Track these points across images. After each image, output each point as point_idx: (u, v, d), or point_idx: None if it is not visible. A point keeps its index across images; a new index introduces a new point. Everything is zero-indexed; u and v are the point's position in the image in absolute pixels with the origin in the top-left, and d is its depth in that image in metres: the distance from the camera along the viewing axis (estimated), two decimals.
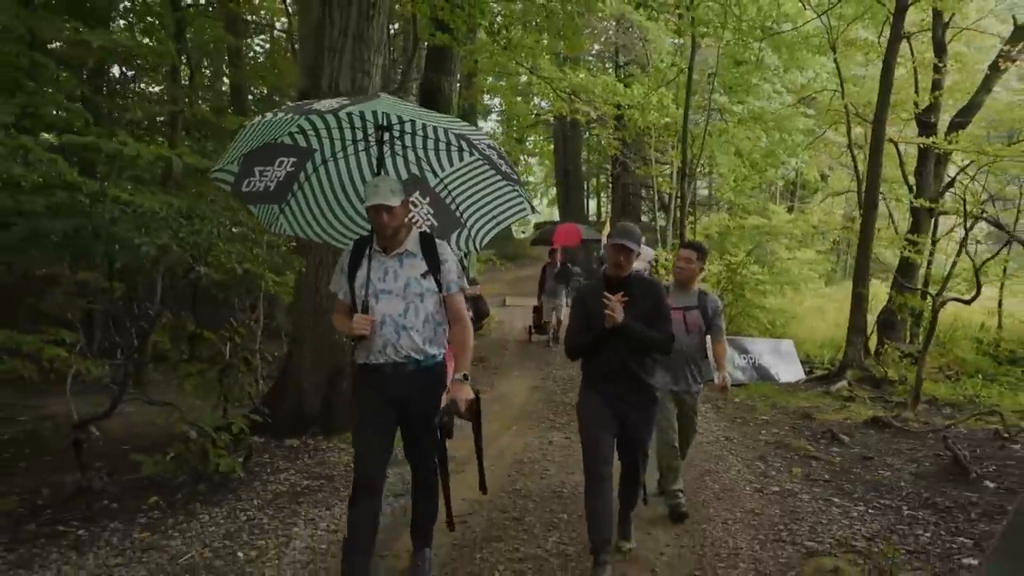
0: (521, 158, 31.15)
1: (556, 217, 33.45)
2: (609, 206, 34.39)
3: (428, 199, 4.08)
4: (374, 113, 3.66)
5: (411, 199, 3.98)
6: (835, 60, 14.65)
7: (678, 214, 16.11)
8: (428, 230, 3.96)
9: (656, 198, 25.58)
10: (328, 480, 5.79)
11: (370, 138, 3.85)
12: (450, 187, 4.06)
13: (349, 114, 3.63)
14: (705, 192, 24.76)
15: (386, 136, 3.73)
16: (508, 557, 4.32)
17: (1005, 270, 13.97)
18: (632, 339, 3.87)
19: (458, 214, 4.04)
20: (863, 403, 9.44)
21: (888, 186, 15.85)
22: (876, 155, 10.99)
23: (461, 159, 3.93)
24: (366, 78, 7.24)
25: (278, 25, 17.59)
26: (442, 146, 3.90)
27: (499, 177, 3.88)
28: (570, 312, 4.34)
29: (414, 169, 4.01)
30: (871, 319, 12.98)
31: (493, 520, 4.95)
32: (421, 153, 3.98)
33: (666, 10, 14.91)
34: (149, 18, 12.56)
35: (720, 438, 7.46)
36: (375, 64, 7.40)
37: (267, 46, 18.50)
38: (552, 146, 31.55)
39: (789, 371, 11.39)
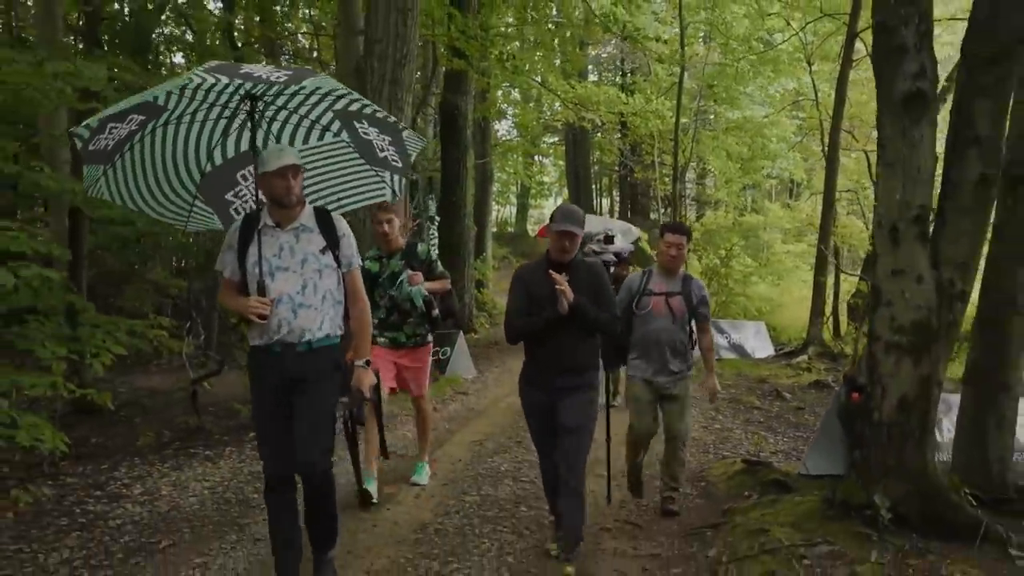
0: (535, 159, 33.10)
1: None
2: (617, 204, 36.24)
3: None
4: (248, 85, 3.30)
5: (242, 172, 3.81)
6: (811, 73, 16.33)
7: (670, 210, 17.84)
8: (253, 205, 3.64)
9: (659, 197, 27.25)
10: None
11: (231, 106, 3.54)
12: None
13: (237, 82, 3.22)
14: (710, 191, 26.37)
15: (259, 106, 3.51)
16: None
17: None
18: (583, 319, 3.80)
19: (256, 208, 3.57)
20: (817, 372, 11.21)
21: (862, 187, 17.50)
22: (832, 161, 12.74)
23: (321, 139, 3.76)
24: (400, 113, 9.07)
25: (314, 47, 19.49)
26: (305, 123, 3.72)
27: (361, 161, 3.80)
28: (509, 293, 4.16)
29: (259, 143, 3.62)
30: (843, 305, 14.71)
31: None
32: (275, 128, 3.75)
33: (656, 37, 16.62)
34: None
35: None
36: (407, 101, 9.24)
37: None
38: (564, 148, 33.50)
39: (762, 348, 13.19)
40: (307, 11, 16.74)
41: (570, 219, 3.83)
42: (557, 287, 3.72)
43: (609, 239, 5.71)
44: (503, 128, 34.51)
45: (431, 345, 5.42)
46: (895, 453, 3.96)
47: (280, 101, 3.59)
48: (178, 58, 15.31)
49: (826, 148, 16.91)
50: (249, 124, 3.55)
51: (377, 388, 3.61)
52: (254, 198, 3.62)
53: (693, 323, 4.81)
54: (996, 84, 3.96)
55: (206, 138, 3.64)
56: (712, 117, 18.88)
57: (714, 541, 4.21)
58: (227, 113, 3.58)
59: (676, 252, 4.71)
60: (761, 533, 4.07)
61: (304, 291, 3.34)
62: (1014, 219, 4.36)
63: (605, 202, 43.06)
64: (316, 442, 3.37)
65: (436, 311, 5.08)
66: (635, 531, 4.60)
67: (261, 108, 3.54)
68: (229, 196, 3.84)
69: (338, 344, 3.51)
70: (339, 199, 3.95)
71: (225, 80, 3.10)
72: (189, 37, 13.97)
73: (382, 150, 3.70)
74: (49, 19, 9.53)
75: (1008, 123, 4.22)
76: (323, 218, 3.48)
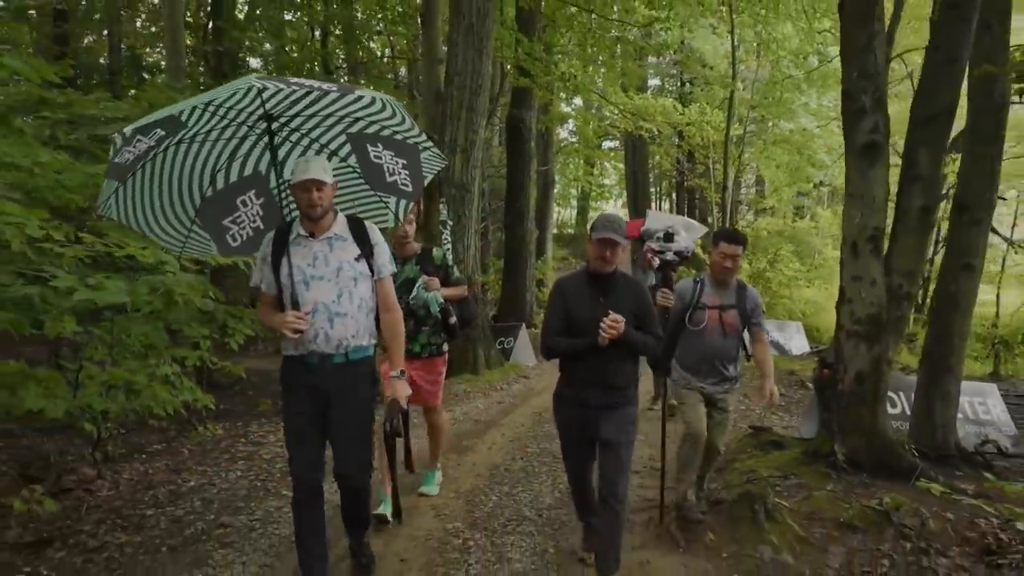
0: (595, 163, 34.42)
1: (627, 218, 36.58)
2: (673, 207, 37.28)
3: (262, 200, 3.81)
4: (251, 92, 3.27)
5: (243, 198, 3.77)
6: None
7: (720, 215, 18.95)
8: (251, 232, 3.76)
9: (713, 203, 28.27)
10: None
11: (247, 125, 3.54)
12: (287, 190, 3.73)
13: (261, 94, 3.26)
14: (764, 197, 27.31)
15: (274, 126, 3.53)
16: None
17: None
18: (627, 346, 3.62)
19: (289, 219, 3.60)
20: None
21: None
22: None
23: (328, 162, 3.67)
24: (474, 135, 10.60)
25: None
26: (314, 147, 3.74)
27: (365, 187, 3.80)
28: (547, 305, 3.98)
29: (262, 167, 3.73)
30: None
31: None
32: (283, 151, 3.75)
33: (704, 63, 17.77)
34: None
35: None
36: (480, 124, 10.74)
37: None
38: (623, 152, 34.73)
39: (798, 346, 14.31)
40: (389, 37, 18.45)
41: (611, 226, 3.59)
42: (603, 334, 3.48)
43: (670, 236, 5.10)
44: (564, 131, 35.96)
45: (447, 356, 5.04)
46: (852, 414, 5.25)
47: (295, 123, 3.61)
48: None
49: None
50: (257, 148, 3.65)
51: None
52: (253, 224, 3.78)
53: (746, 332, 4.62)
54: (934, 138, 5.24)
55: (212, 160, 3.62)
56: (763, 128, 19.91)
57: (716, 480, 5.55)
58: (240, 133, 3.59)
59: (731, 264, 4.44)
60: (750, 472, 5.41)
61: (340, 300, 3.34)
62: (957, 237, 5.61)
63: (665, 205, 44.04)
64: (354, 454, 3.44)
65: (453, 319, 4.82)
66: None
67: (275, 128, 3.54)
68: (226, 222, 3.76)
69: (372, 354, 3.52)
70: None
71: (281, 86, 3.16)
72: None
73: (392, 174, 3.70)
74: (176, 51, 11.44)
75: (959, 164, 5.50)
76: (356, 227, 3.49)
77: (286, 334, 3.22)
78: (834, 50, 18.44)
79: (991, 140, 5.57)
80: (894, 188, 5.53)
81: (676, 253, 4.90)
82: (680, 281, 4.77)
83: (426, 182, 3.85)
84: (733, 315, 4.51)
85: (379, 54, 18.40)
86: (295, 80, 3.25)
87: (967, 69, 5.42)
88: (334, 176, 3.49)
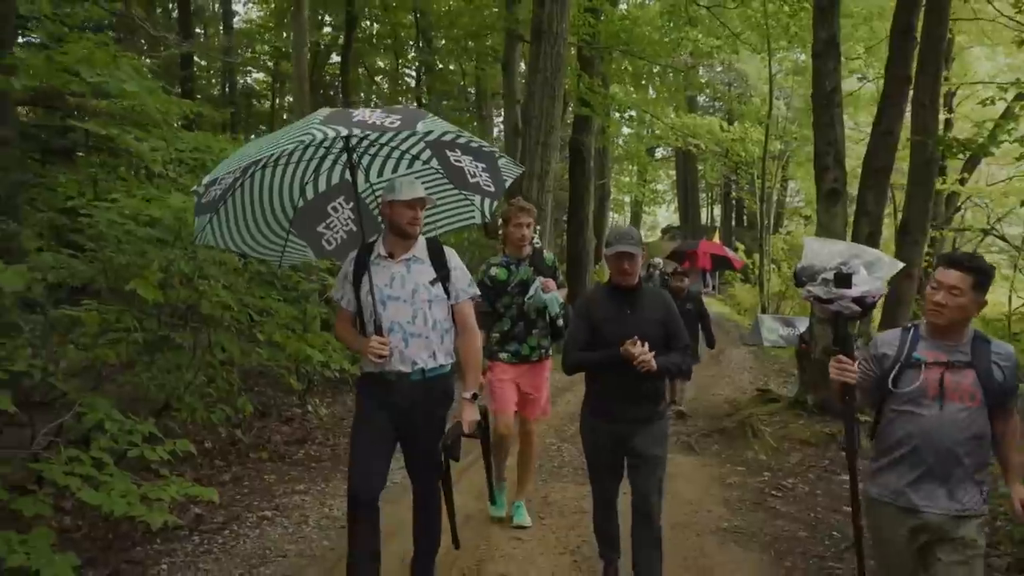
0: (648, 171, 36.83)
1: (677, 223, 38.92)
2: (721, 215, 39.51)
3: (351, 204, 3.90)
4: (310, 144, 3.51)
5: (333, 204, 3.91)
6: None
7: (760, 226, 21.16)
8: (345, 235, 3.91)
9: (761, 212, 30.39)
10: None
11: (325, 145, 3.66)
12: (377, 192, 3.91)
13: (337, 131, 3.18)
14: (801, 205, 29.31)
15: (352, 143, 3.59)
16: None
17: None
18: (659, 375, 3.50)
19: (380, 220, 3.75)
20: None
21: None
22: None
23: (411, 166, 3.84)
24: (547, 165, 13.15)
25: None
26: (395, 154, 3.83)
27: (450, 185, 3.86)
28: (571, 320, 4.02)
29: (348, 175, 3.72)
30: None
31: None
32: (365, 161, 3.85)
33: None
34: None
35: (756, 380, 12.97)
36: (553, 157, 13.30)
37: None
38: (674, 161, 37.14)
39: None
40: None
41: (624, 239, 3.52)
42: (636, 363, 3.32)
43: (845, 278, 3.14)
44: (618, 139, 38.47)
45: (551, 360, 4.87)
46: (820, 376, 7.66)
47: (372, 136, 3.66)
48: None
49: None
50: (340, 161, 3.76)
51: (485, 421, 3.59)
52: (345, 228, 3.92)
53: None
54: (877, 184, 7.65)
55: (300, 176, 3.74)
56: (801, 145, 22.05)
57: (722, 424, 8.00)
58: (320, 153, 3.72)
59: (948, 300, 2.74)
60: (750, 414, 7.88)
61: (415, 321, 3.41)
62: (900, 253, 7.98)
63: (716, 210, 46.15)
64: (429, 469, 3.49)
65: (561, 321, 4.73)
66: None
67: (354, 144, 3.61)
68: (320, 228, 3.93)
69: (449, 373, 3.56)
70: (429, 222, 3.87)
71: (343, 131, 3.18)
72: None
73: (473, 176, 3.77)
74: (301, 97, 14.35)
75: (904, 199, 7.92)
76: (435, 250, 3.54)
77: (370, 359, 3.32)
78: (869, 71, 20.56)
79: (926, 182, 7.96)
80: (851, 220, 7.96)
81: (856, 301, 3.13)
82: (882, 333, 3.25)
83: (506, 185, 3.89)
84: (969, 379, 2.77)
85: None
86: (359, 117, 3.23)
87: (909, 136, 7.82)
88: (417, 178, 3.65)
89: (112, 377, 5.86)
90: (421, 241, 3.55)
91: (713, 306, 24.40)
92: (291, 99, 18.35)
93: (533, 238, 4.76)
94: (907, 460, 2.80)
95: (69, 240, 6.04)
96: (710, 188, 42.35)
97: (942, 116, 17.50)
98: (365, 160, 3.83)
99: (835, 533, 4.96)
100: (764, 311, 20.17)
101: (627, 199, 40.49)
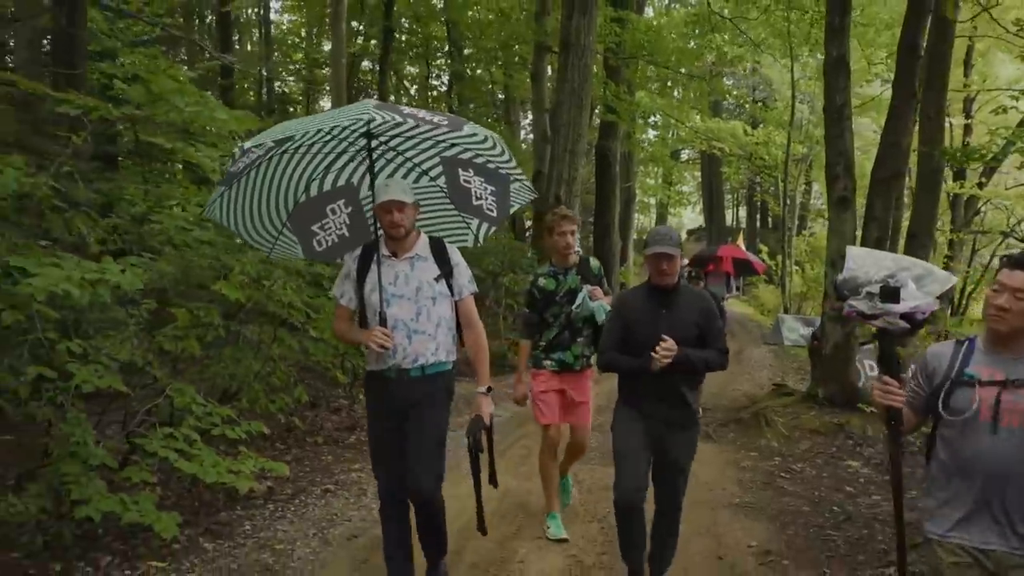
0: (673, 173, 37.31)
1: (702, 224, 39.36)
2: (745, 217, 39.83)
3: (350, 209, 3.92)
4: (368, 123, 3.47)
5: (333, 206, 3.90)
6: None
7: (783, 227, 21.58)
8: (336, 239, 3.89)
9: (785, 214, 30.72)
10: None
11: (348, 140, 3.64)
12: None
13: (365, 121, 3.38)
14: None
15: (373, 143, 3.58)
16: None
17: None
18: (687, 369, 3.54)
19: (372, 229, 3.66)
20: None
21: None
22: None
23: (417, 181, 3.84)
24: (575, 171, 13.76)
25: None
26: (407, 165, 3.84)
27: (449, 205, 3.88)
28: (607, 319, 4.13)
29: (355, 179, 3.83)
30: None
31: None
32: (377, 166, 3.78)
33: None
34: None
35: (776, 375, 13.48)
36: (580, 164, 13.90)
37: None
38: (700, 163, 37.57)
39: None
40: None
41: (664, 240, 3.54)
42: (658, 363, 3.40)
43: (892, 292, 2.72)
44: (643, 141, 39.01)
45: (592, 369, 4.81)
46: (831, 370, 8.19)
47: (393, 143, 3.71)
48: None
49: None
50: (354, 161, 3.76)
51: (489, 437, 3.55)
52: (338, 232, 3.87)
53: None
54: (886, 192, 8.17)
55: (310, 170, 3.73)
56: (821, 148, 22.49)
57: (739, 415, 8.55)
58: (340, 148, 3.69)
59: (1012, 304, 2.39)
60: (765, 406, 8.43)
61: (418, 318, 3.45)
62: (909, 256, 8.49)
63: (741, 211, 46.45)
64: (426, 468, 3.45)
65: None
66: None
67: (374, 146, 3.61)
68: (315, 228, 3.91)
69: (450, 370, 3.59)
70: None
71: (397, 118, 3.28)
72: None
73: (479, 198, 3.78)
74: (339, 101, 15.08)
75: (911, 208, 8.44)
76: (437, 248, 3.60)
77: (372, 348, 3.35)
78: (891, 76, 20.93)
79: (932, 190, 8.47)
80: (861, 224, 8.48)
81: (904, 317, 2.71)
82: (934, 346, 2.81)
83: (512, 211, 3.97)
84: None
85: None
86: (409, 111, 3.36)
87: (918, 145, 8.33)
88: (419, 193, 3.70)
89: (183, 369, 6.59)
90: (423, 239, 3.62)
91: (736, 307, 24.95)
92: (328, 106, 19.13)
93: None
94: (960, 493, 2.49)
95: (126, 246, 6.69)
96: (734, 190, 42.71)
97: (962, 122, 18.05)
98: (379, 164, 3.80)
99: (835, 508, 5.51)
100: (786, 311, 20.61)
101: (652, 201, 40.95)
